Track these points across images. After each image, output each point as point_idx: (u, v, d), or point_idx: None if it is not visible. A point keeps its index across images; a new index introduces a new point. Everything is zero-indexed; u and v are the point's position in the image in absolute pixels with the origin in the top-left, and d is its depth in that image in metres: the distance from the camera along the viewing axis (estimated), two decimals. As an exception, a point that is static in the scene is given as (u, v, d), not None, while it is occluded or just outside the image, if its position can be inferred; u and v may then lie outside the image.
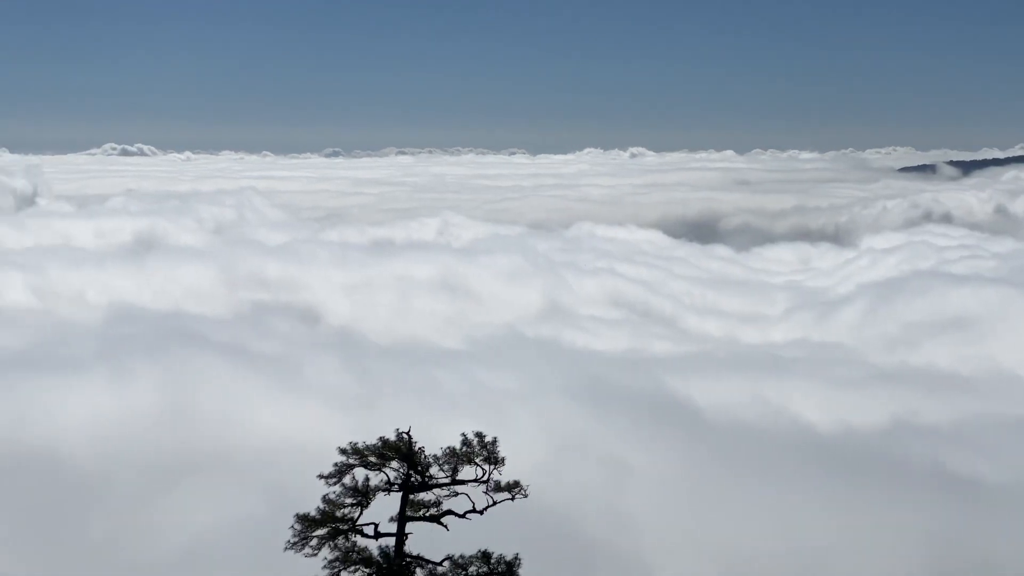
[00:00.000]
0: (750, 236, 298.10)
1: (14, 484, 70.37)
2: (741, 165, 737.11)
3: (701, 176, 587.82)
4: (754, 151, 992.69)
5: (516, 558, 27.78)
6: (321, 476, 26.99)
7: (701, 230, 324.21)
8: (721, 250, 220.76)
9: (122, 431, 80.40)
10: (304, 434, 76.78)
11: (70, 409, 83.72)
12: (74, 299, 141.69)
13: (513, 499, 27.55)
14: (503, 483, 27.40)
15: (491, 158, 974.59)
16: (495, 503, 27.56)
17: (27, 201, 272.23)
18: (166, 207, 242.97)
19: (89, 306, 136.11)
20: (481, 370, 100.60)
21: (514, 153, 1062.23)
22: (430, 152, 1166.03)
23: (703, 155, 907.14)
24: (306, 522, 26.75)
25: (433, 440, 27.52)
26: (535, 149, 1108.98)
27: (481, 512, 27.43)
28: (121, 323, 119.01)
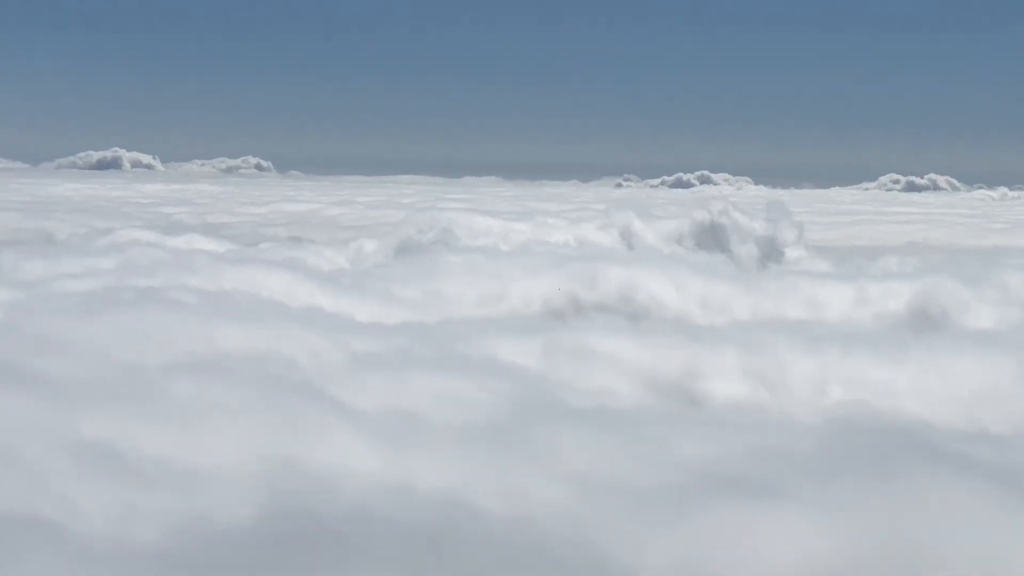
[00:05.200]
0: None
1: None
2: None
3: None
4: None
5: None
6: None
7: None
8: None
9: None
10: None
11: (753, 549, 47.03)
12: (804, 396, 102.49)
13: None
14: None
15: None
16: None
17: (772, 253, 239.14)
18: (959, 269, 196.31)
19: (819, 407, 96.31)
20: None
21: None
22: None
23: None
24: None
25: None
26: None
27: None
28: (853, 431, 79.12)
